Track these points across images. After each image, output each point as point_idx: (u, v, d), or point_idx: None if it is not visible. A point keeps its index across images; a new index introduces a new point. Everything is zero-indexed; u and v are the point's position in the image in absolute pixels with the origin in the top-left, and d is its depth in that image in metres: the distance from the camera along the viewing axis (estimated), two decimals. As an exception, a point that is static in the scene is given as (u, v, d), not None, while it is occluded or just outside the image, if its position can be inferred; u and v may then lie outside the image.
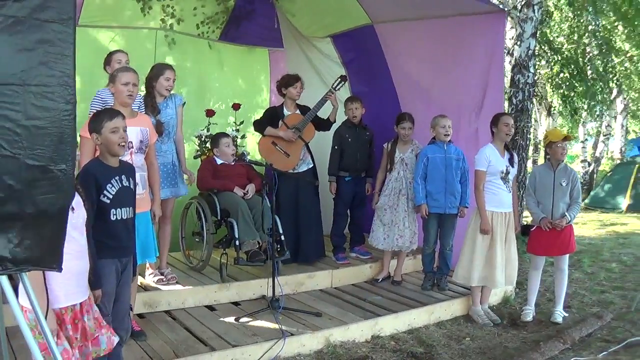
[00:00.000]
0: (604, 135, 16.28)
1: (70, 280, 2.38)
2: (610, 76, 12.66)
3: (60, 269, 1.79)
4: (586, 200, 12.08)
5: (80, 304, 2.46)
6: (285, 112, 5.31)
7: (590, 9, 10.57)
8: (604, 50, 11.83)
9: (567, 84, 12.01)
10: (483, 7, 5.10)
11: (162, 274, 4.50)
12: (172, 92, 4.44)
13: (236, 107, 6.25)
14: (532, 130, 11.58)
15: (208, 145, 5.61)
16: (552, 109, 15.53)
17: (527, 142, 7.44)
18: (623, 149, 17.67)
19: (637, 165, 12.18)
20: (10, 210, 1.60)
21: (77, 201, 2.38)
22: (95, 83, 4.64)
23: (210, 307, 4.41)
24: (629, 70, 13.57)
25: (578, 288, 5.56)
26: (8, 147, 1.57)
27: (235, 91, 6.75)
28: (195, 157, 5.78)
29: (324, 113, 5.38)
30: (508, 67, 7.04)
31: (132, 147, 3.49)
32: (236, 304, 4.53)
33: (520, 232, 5.44)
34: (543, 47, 11.38)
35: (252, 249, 4.62)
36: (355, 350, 3.92)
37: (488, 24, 5.09)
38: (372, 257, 5.56)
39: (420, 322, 4.48)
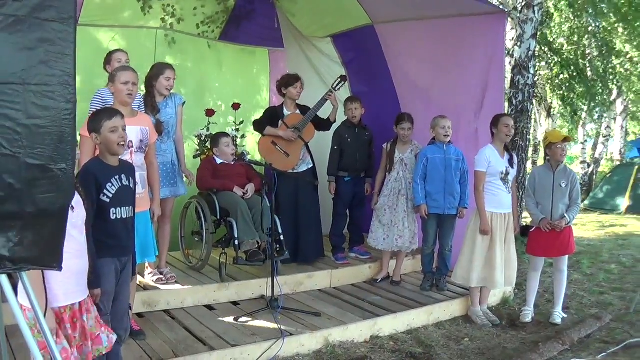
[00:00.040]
0: (604, 137, 16.29)
1: (70, 280, 2.38)
2: (611, 78, 12.66)
3: (60, 268, 1.79)
4: (585, 202, 12.09)
5: (80, 303, 2.47)
6: (285, 112, 5.31)
7: (590, 11, 10.57)
8: (603, 52, 11.83)
9: (567, 84, 12.02)
10: (483, 7, 5.10)
11: (161, 273, 4.50)
12: (171, 91, 4.44)
13: (236, 106, 6.25)
14: (531, 131, 11.58)
15: (208, 144, 5.61)
16: (552, 109, 15.53)
17: (527, 143, 7.45)
18: (622, 150, 17.69)
19: (636, 167, 12.21)
20: (10, 209, 1.60)
21: (77, 200, 2.38)
22: (95, 82, 4.65)
23: (210, 307, 4.41)
24: (628, 72, 13.57)
25: (577, 289, 5.57)
26: (8, 146, 1.57)
27: (235, 91, 6.74)
28: (195, 157, 5.78)
29: (324, 113, 5.38)
30: (508, 68, 7.04)
31: (132, 147, 3.49)
32: (235, 303, 4.53)
33: (519, 233, 5.44)
34: (543, 48, 11.38)
35: (251, 249, 4.62)
36: (354, 350, 3.92)
37: (488, 24, 5.09)
38: (371, 257, 5.56)
39: (419, 322, 4.48)
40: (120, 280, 2.87)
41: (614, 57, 12.50)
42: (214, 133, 5.40)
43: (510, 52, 7.16)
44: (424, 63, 5.68)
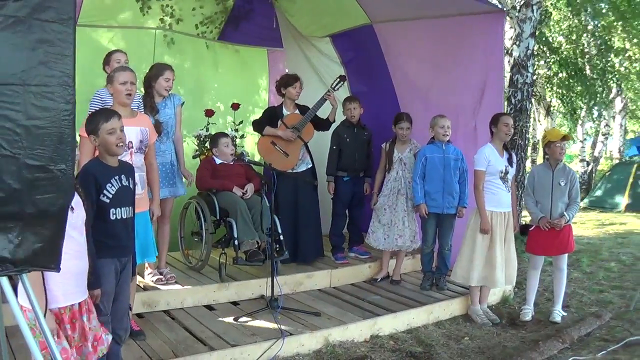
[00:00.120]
0: (603, 135, 16.30)
1: (69, 280, 2.38)
2: (610, 76, 12.68)
3: (58, 269, 1.79)
4: (585, 200, 12.09)
5: (79, 303, 2.47)
6: (285, 112, 5.31)
7: (588, 9, 10.59)
8: (602, 50, 11.84)
9: (566, 83, 12.03)
10: (482, 7, 5.10)
11: (161, 273, 4.50)
12: (170, 92, 4.44)
13: (235, 107, 6.25)
14: (530, 130, 11.59)
15: (207, 145, 5.61)
16: (552, 108, 15.54)
17: (526, 142, 7.45)
18: (622, 148, 17.70)
19: (635, 165, 12.21)
20: (10, 210, 1.61)
21: (77, 201, 2.38)
22: (94, 83, 4.65)
23: (209, 307, 4.41)
24: (627, 70, 13.59)
25: (577, 287, 5.57)
26: (8, 147, 1.57)
27: (234, 91, 6.75)
28: (194, 157, 5.78)
29: (323, 113, 5.38)
30: (507, 67, 7.04)
31: (132, 147, 3.49)
32: (235, 303, 4.53)
33: (518, 232, 5.45)
34: (542, 47, 11.40)
35: (251, 249, 4.62)
36: (354, 350, 3.92)
37: (487, 23, 5.09)
38: (371, 256, 5.56)
39: (419, 321, 4.48)
40: (120, 280, 2.87)
41: (612, 55, 12.51)
42: (213, 133, 5.40)
43: (509, 51, 7.15)
44: (423, 62, 5.68)
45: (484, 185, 4.48)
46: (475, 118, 5.23)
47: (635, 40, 12.14)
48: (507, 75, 7.12)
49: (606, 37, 12.12)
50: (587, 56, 12.22)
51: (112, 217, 2.79)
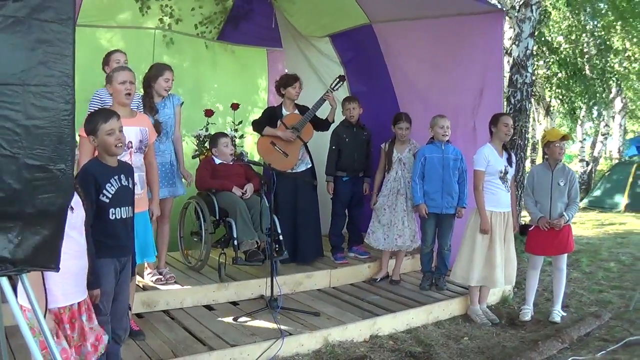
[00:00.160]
0: (602, 135, 16.31)
1: (69, 280, 2.38)
2: (609, 76, 12.68)
3: (57, 269, 1.79)
4: (584, 200, 12.10)
5: (79, 303, 2.47)
6: (284, 112, 5.31)
7: (588, 9, 10.59)
8: (602, 50, 11.85)
9: (566, 83, 12.04)
10: (481, 7, 5.10)
11: (160, 273, 4.50)
12: (169, 92, 4.44)
13: (235, 107, 6.25)
14: (530, 130, 11.60)
15: (206, 145, 5.61)
16: (551, 108, 15.55)
17: (526, 142, 7.45)
18: (621, 148, 17.70)
19: (635, 165, 12.21)
20: (10, 210, 1.61)
21: (76, 201, 2.38)
22: (93, 83, 4.65)
23: (209, 307, 4.41)
24: (627, 70, 13.60)
25: (576, 287, 5.57)
26: (8, 146, 1.57)
27: (233, 91, 6.75)
28: (193, 157, 5.78)
29: (322, 113, 5.38)
30: (506, 67, 7.04)
31: (132, 147, 3.49)
32: (234, 303, 4.53)
33: (518, 232, 5.45)
34: (541, 47, 11.40)
35: (250, 249, 4.62)
36: (354, 350, 3.92)
37: (486, 23, 5.09)
38: (370, 256, 5.56)
39: (419, 321, 4.49)
40: (119, 280, 2.87)
41: (612, 55, 12.52)
42: (212, 133, 5.40)
43: (509, 51, 7.16)
44: (423, 62, 5.68)
45: (484, 185, 4.48)
46: (474, 118, 5.23)
47: (634, 40, 12.14)
48: (507, 75, 7.13)
49: (605, 37, 12.13)
50: (586, 56, 12.22)
51: (112, 217, 2.79)
